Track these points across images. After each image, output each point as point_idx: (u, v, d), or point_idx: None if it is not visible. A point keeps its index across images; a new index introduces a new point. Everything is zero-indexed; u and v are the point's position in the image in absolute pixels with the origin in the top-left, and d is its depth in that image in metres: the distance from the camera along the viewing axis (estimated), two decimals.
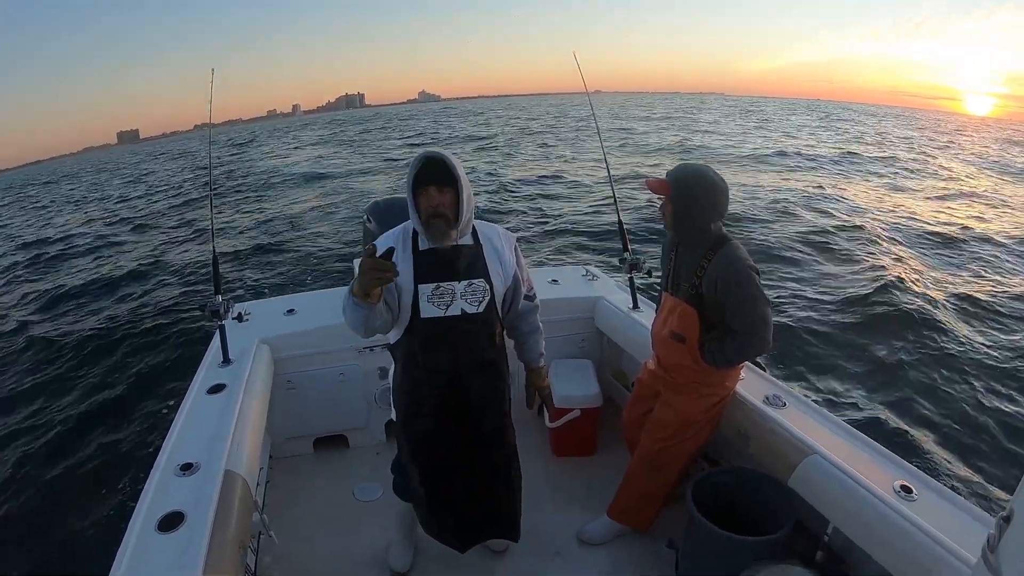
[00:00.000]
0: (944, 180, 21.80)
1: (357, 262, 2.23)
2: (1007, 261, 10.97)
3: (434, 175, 2.12)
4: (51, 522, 4.32)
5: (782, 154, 26.41)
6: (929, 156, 29.77)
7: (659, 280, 2.92)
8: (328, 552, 2.95)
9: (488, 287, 2.24)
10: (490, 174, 21.28)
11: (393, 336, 2.31)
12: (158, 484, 2.15)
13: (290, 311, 3.69)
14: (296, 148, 42.76)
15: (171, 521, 1.94)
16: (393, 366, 2.42)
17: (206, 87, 3.70)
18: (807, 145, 31.72)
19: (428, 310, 2.17)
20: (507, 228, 2.47)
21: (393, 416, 2.46)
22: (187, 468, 2.21)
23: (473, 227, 2.29)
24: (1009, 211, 16.19)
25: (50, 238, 16.42)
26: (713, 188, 2.45)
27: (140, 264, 11.69)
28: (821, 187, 17.68)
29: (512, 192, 17.88)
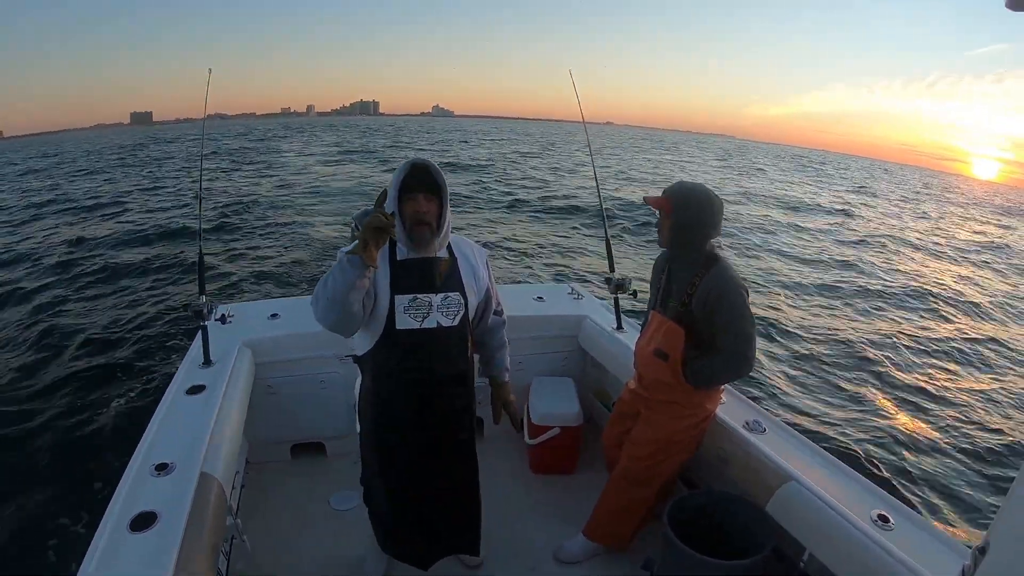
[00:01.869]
0: None
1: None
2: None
3: (422, 182, 2.13)
4: (21, 518, 4.25)
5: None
6: None
7: (646, 302, 2.93)
8: (301, 560, 2.92)
9: (463, 301, 2.25)
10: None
11: (361, 348, 2.29)
12: (132, 483, 2.13)
13: (274, 315, 3.67)
14: (298, 150, 42.72)
15: (144, 521, 1.91)
16: (360, 379, 2.41)
17: (205, 85, 3.70)
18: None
19: (404, 321, 2.16)
20: (479, 243, 2.48)
21: (358, 428, 2.44)
22: (162, 468, 2.19)
23: (448, 241, 2.30)
24: None
25: (33, 231, 16.25)
26: (709, 202, 2.49)
27: (125, 261, 11.60)
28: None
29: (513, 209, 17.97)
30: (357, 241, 1.92)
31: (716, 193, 2.53)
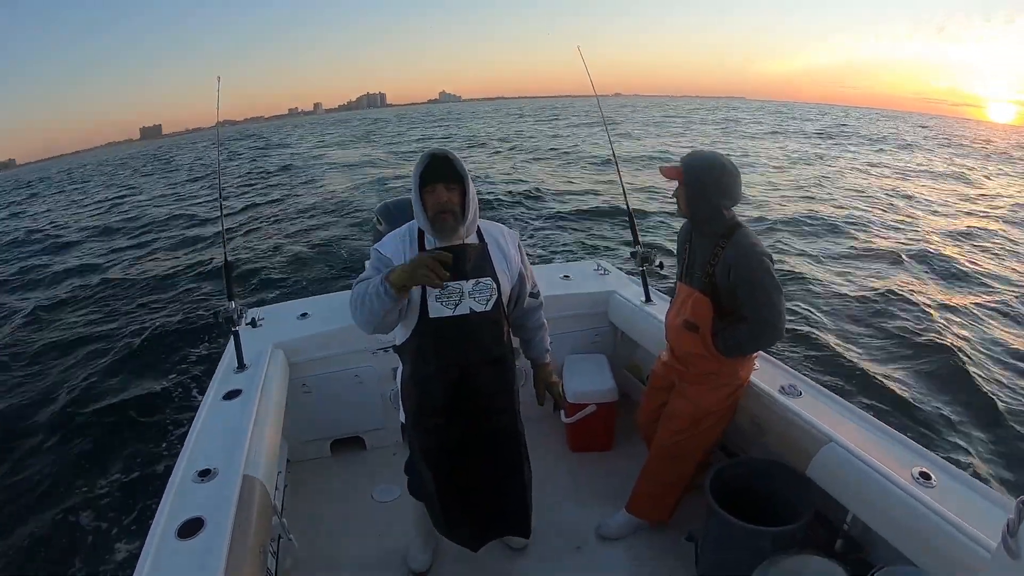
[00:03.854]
0: None
1: (367, 263, 2.25)
2: None
3: (441, 173, 2.12)
4: (72, 530, 4.36)
5: None
6: None
7: (672, 274, 2.91)
8: (348, 553, 2.97)
9: (495, 285, 2.23)
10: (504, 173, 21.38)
11: (399, 337, 2.30)
12: (177, 491, 2.17)
13: (303, 315, 3.70)
14: (317, 146, 42.81)
15: (191, 527, 1.95)
16: (400, 367, 2.43)
17: (215, 93, 3.73)
18: None
19: (437, 309, 2.17)
20: (510, 227, 2.47)
21: (402, 417, 2.46)
22: (205, 474, 2.23)
23: (477, 226, 2.29)
24: None
25: (61, 240, 16.51)
26: (723, 172, 2.45)
27: (154, 272, 11.76)
28: None
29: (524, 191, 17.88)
30: (404, 269, 1.94)
31: (731, 161, 2.49)
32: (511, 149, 29.96)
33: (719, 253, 2.45)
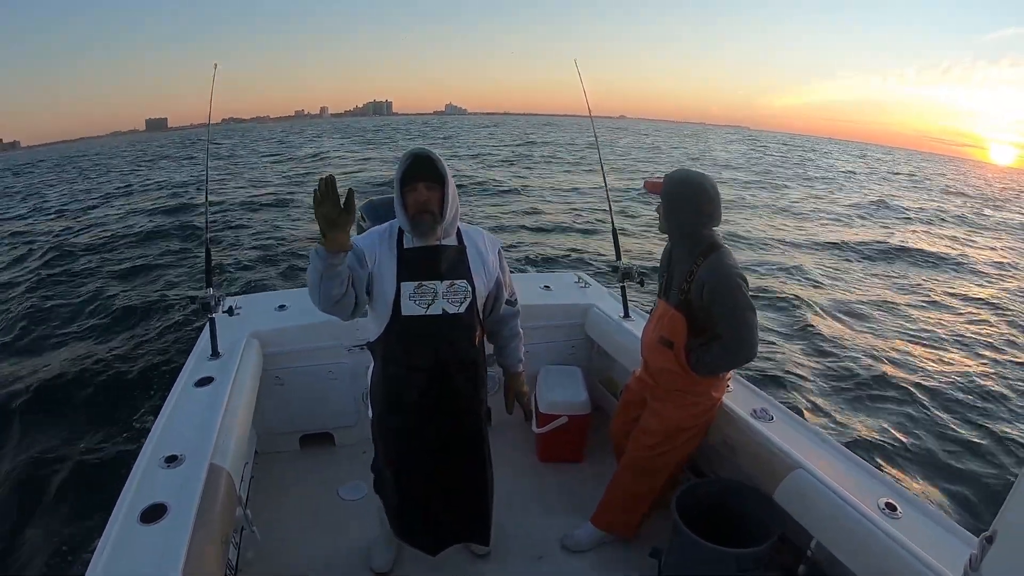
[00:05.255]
0: None
1: None
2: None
3: (423, 172, 2.13)
4: (33, 512, 4.29)
5: None
6: None
7: (652, 291, 2.93)
8: (310, 550, 2.94)
9: (470, 289, 2.25)
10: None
11: (372, 334, 2.31)
12: (142, 475, 2.15)
13: (281, 307, 3.67)
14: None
15: (154, 513, 1.93)
16: (372, 365, 2.43)
17: (211, 79, 3.70)
18: None
19: (409, 308, 2.18)
20: (493, 233, 2.47)
21: (370, 414, 2.46)
22: (172, 460, 2.21)
23: (458, 229, 2.30)
24: None
25: (45, 223, 16.29)
26: (699, 192, 2.47)
27: (132, 255, 11.63)
28: None
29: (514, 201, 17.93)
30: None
31: (712, 182, 2.51)
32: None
33: (695, 271, 2.47)
